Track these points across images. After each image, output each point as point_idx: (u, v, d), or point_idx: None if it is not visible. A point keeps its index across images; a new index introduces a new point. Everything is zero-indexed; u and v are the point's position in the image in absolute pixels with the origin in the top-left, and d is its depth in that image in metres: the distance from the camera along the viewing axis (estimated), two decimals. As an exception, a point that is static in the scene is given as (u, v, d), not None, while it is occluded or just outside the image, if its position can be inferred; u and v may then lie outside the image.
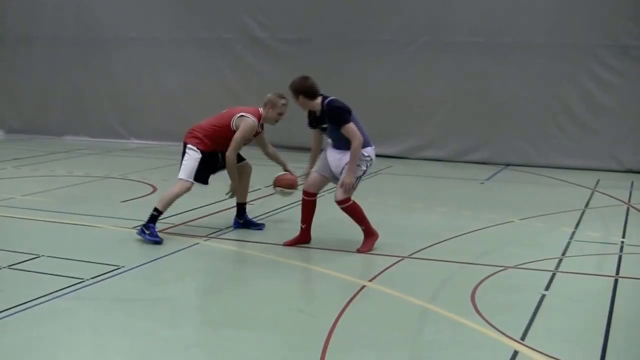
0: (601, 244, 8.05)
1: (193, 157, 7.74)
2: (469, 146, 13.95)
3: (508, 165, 13.61)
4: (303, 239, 7.70)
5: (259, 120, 7.86)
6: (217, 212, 8.78)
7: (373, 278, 6.58)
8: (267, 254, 7.33)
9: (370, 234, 7.53)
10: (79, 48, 16.48)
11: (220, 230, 8.22)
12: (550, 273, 6.88)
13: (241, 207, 8.32)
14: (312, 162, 7.73)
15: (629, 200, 10.56)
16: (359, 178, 7.39)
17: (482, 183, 11.97)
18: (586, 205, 10.18)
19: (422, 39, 14.17)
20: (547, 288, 6.45)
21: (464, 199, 10.50)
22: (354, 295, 6.09)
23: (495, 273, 6.81)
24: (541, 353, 4.97)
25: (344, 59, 14.58)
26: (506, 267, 7.01)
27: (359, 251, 7.41)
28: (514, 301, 6.10)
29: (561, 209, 9.69)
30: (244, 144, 7.88)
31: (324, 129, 7.46)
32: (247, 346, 5.10)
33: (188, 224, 8.42)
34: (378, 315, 5.77)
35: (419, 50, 14.22)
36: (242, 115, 7.78)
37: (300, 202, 7.72)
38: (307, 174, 7.69)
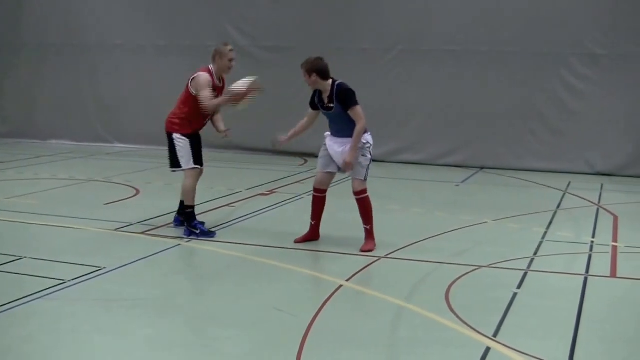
0: (572, 244, 8.06)
1: (184, 145, 7.84)
2: (445, 150, 13.96)
3: (483, 168, 13.63)
4: (312, 235, 7.79)
5: (210, 74, 7.84)
6: (199, 214, 8.71)
7: (350, 278, 6.55)
8: (247, 255, 7.28)
9: (372, 234, 7.58)
10: (64, 54, 16.36)
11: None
12: (523, 272, 6.89)
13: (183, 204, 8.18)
14: (291, 136, 7.92)
15: (599, 202, 10.60)
16: (367, 166, 7.48)
17: (458, 185, 11.97)
18: (558, 207, 10.21)
19: (399, 47, 14.19)
20: (519, 286, 6.45)
21: (439, 201, 10.51)
22: (332, 295, 6.05)
23: (469, 272, 6.81)
24: (513, 349, 4.97)
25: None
26: (480, 267, 7.00)
27: (362, 250, 7.42)
28: (487, 299, 6.10)
29: (533, 210, 9.71)
30: (194, 99, 7.80)
31: (329, 109, 7.51)
32: (228, 344, 5.06)
33: (170, 225, 8.35)
34: (355, 313, 5.76)
35: (397, 58, 14.24)
36: (193, 78, 7.81)
37: (311, 199, 7.80)
38: (278, 141, 7.86)
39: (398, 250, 7.53)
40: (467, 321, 5.44)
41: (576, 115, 13.35)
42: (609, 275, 6.90)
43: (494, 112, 13.64)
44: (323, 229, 7.89)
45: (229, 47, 7.95)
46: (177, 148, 7.87)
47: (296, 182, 11.74)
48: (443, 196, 11.06)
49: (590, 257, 7.59)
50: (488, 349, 4.98)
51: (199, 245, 7.65)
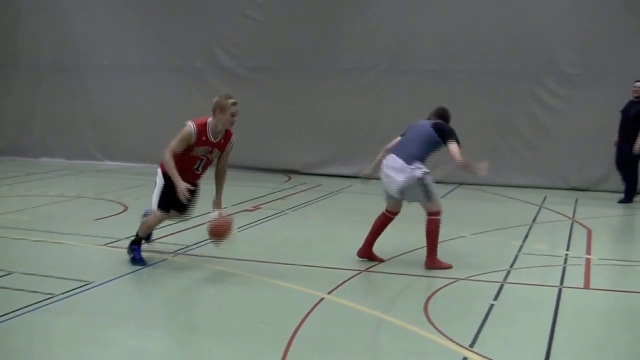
0: (547, 257, 8.10)
1: (158, 184, 7.22)
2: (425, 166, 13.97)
3: (462, 184, 13.69)
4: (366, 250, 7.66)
5: (204, 127, 7.09)
6: (185, 230, 8.70)
7: (332, 291, 6.55)
8: (232, 269, 7.27)
9: (435, 252, 7.43)
10: (58, 74, 16.34)
11: (188, 246, 8.14)
12: (499, 284, 6.92)
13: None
14: (376, 164, 7.66)
15: (573, 216, 10.67)
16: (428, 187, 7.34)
17: (437, 200, 11.99)
18: (534, 221, 10.26)
19: (380, 67, 14.30)
20: (495, 298, 6.48)
21: (419, 216, 10.46)
22: (313, 307, 6.05)
23: (447, 285, 6.84)
24: (489, 359, 4.98)
25: (308, 85, 14.67)
26: (458, 279, 7.03)
27: (426, 266, 7.38)
28: (465, 311, 6.12)
29: (510, 224, 9.77)
30: (182, 151, 7.03)
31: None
32: (212, 356, 5.04)
33: (157, 240, 8.33)
34: (336, 325, 5.75)
35: (378, 77, 14.34)
36: (184, 125, 7.13)
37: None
38: (368, 173, 7.66)
39: (379, 264, 7.55)
40: (445, 332, 5.46)
41: (552, 132, 13.47)
42: (582, 286, 6.95)
43: (472, 130, 13.68)
44: (308, 243, 7.89)
45: (232, 100, 7.16)
46: (155, 184, 7.28)
47: (280, 199, 11.74)
48: (423, 211, 11.02)
49: (564, 269, 7.63)
50: (465, 359, 5.00)
51: (184, 259, 7.63)
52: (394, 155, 7.42)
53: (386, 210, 7.65)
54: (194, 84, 15.31)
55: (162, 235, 8.50)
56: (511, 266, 7.62)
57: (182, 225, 8.71)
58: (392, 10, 14.18)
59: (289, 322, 5.63)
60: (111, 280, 6.76)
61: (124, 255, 7.50)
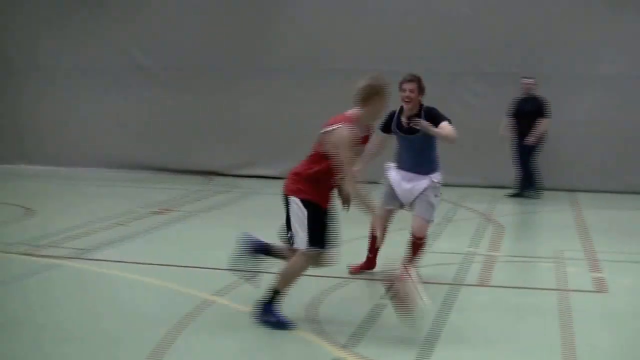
0: (455, 254, 7.98)
1: (297, 215, 5.51)
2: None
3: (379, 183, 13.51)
4: (368, 265, 7.04)
5: (353, 124, 5.57)
6: (88, 236, 8.41)
7: (217, 293, 6.34)
8: (126, 273, 7.01)
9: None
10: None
11: (85, 249, 7.85)
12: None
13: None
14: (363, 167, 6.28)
15: (490, 214, 10.61)
16: (435, 208, 6.64)
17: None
18: (448, 219, 10.13)
19: (301, 67, 14.08)
20: (387, 297, 6.28)
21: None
22: (197, 310, 5.87)
23: (339, 284, 6.70)
24: (364, 357, 4.84)
25: (229, 86, 14.41)
26: (354, 279, 6.89)
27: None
28: (348, 311, 5.97)
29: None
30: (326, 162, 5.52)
31: (411, 132, 6.58)
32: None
33: (53, 244, 7.99)
34: (219, 328, 5.55)
35: (300, 77, 14.14)
36: (325, 132, 5.60)
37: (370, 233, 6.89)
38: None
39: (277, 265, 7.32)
40: (322, 332, 5.34)
41: (472, 130, 13.41)
42: (476, 284, 6.85)
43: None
44: (204, 245, 7.68)
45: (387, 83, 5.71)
46: (292, 216, 5.56)
47: (196, 201, 11.47)
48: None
49: (468, 266, 7.55)
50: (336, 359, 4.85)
51: (82, 265, 7.32)
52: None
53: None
54: (111, 85, 14.79)
55: (59, 238, 8.14)
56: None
57: (88, 230, 8.39)
58: (313, 11, 14.03)
59: (170, 324, 5.45)
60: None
61: (20, 260, 7.23)
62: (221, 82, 14.43)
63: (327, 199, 5.56)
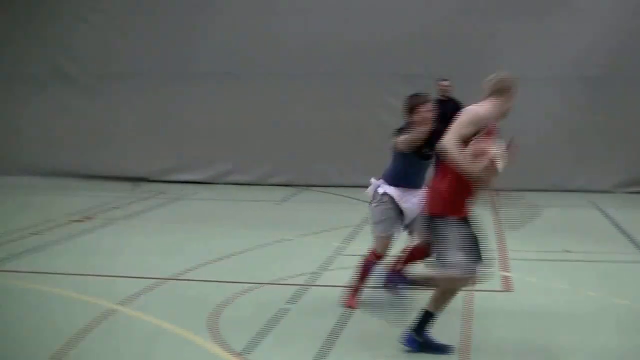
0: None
1: (442, 234, 5.01)
2: (272, 169, 13.89)
3: (310, 186, 13.57)
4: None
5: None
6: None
7: (125, 301, 6.27)
8: (36, 285, 6.86)
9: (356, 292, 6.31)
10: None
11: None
12: (304, 287, 6.76)
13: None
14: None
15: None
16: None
17: (278, 204, 11.86)
18: (363, 222, 10.15)
19: (232, 71, 14.00)
20: (294, 302, 6.32)
21: (253, 220, 10.33)
22: (101, 318, 5.80)
23: (248, 290, 6.67)
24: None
25: (157, 92, 14.29)
26: (263, 284, 6.86)
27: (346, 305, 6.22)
28: (252, 317, 5.92)
29: (339, 225, 9.67)
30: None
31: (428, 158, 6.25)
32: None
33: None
34: (120, 336, 5.51)
35: (229, 82, 14.08)
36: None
37: (363, 264, 6.33)
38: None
39: (187, 272, 7.28)
40: (220, 339, 5.31)
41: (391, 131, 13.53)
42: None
43: (320, 132, 13.70)
44: (121, 252, 7.58)
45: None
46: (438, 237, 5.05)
47: (115, 208, 11.29)
48: (258, 215, 10.92)
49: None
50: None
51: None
52: None
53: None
54: (37, 94, 14.52)
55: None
56: (324, 268, 7.50)
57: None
58: (247, 14, 13.99)
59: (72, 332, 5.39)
60: None
61: None
62: (147, 88, 14.31)
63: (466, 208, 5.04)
